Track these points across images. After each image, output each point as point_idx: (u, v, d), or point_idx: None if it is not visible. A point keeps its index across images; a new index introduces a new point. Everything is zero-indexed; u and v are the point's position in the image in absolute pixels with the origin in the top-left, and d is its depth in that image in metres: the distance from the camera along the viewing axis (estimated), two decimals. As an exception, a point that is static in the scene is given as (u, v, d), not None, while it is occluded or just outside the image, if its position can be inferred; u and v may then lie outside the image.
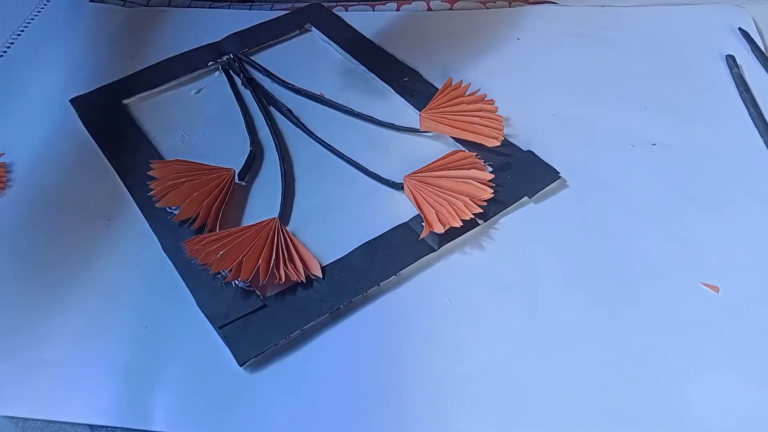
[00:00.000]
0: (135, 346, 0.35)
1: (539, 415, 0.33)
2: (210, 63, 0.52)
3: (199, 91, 0.51)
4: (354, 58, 0.53)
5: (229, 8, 0.59)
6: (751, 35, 0.53)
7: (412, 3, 0.59)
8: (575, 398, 0.33)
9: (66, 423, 0.33)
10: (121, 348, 0.35)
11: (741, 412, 0.33)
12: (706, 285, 0.38)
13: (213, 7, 0.59)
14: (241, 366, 0.34)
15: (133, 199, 0.42)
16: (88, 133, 0.47)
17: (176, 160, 0.43)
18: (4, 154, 0.46)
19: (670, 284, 0.38)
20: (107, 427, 0.33)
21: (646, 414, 0.33)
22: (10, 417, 0.33)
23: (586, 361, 0.34)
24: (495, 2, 0.59)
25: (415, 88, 0.50)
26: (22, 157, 0.46)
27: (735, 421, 0.32)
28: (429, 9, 0.58)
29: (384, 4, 0.59)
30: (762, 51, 0.52)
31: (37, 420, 0.33)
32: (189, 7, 0.60)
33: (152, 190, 0.41)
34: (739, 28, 0.54)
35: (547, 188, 0.42)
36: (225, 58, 0.52)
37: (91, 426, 0.33)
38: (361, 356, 0.35)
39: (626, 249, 0.39)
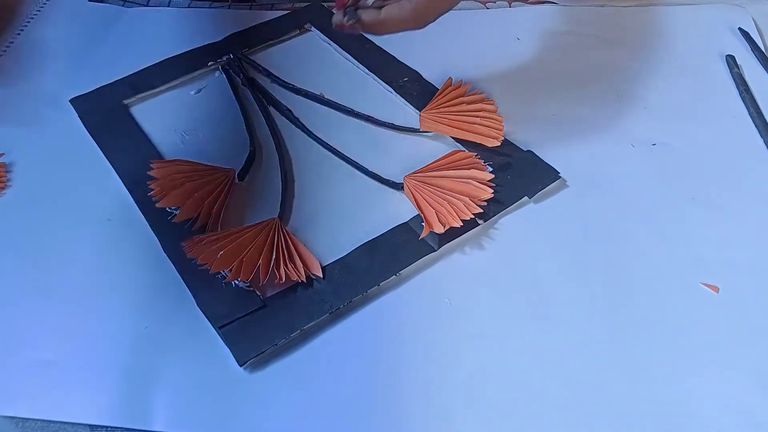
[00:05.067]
0: (135, 346, 0.35)
1: (539, 415, 0.33)
2: (210, 63, 0.52)
3: (199, 91, 0.51)
4: (354, 58, 0.53)
5: (229, 8, 0.59)
6: (751, 35, 0.53)
7: (412, 3, 0.58)
8: (575, 398, 0.33)
9: (66, 423, 0.33)
10: (121, 348, 0.35)
11: (741, 411, 0.33)
12: (706, 285, 0.38)
13: (213, 7, 0.59)
14: (241, 366, 0.34)
15: (133, 199, 0.42)
16: (88, 133, 0.47)
17: (176, 160, 0.43)
18: (4, 154, 0.46)
19: (670, 284, 0.38)
20: (107, 427, 0.33)
21: (646, 413, 0.33)
22: (10, 417, 0.33)
23: (586, 361, 0.34)
24: (495, 2, 0.59)
25: (415, 88, 0.50)
26: (22, 157, 0.46)
27: (735, 421, 0.32)
28: (429, 9, 0.58)
29: (384, 4, 0.59)
30: (762, 51, 0.52)
31: (37, 420, 0.33)
32: (189, 7, 0.60)
33: (152, 190, 0.41)
34: (739, 28, 0.54)
35: (547, 188, 0.42)
36: (225, 58, 0.52)
37: (91, 426, 0.33)
38: (361, 356, 0.35)
39: (626, 249, 0.39)
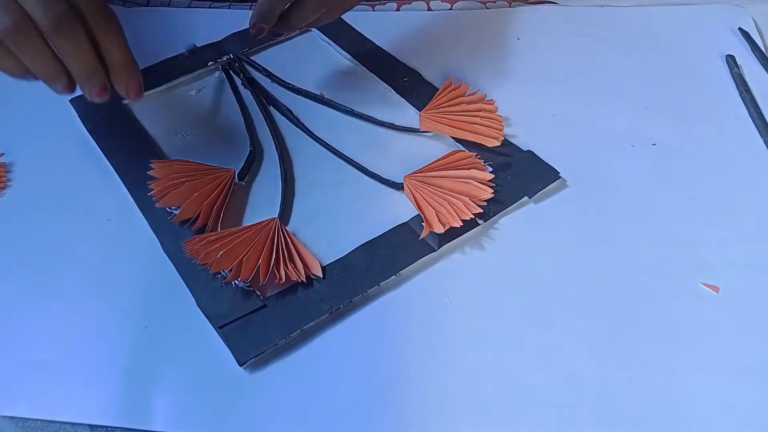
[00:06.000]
0: (135, 346, 0.35)
1: (539, 415, 0.33)
2: (210, 63, 0.52)
3: (200, 91, 0.51)
4: (354, 58, 0.53)
5: (229, 8, 0.59)
6: (751, 35, 0.53)
7: (412, 3, 0.59)
8: (575, 398, 0.33)
9: (66, 423, 0.33)
10: (121, 348, 0.35)
11: (741, 411, 0.33)
12: (706, 285, 0.38)
13: (213, 7, 0.59)
14: (241, 366, 0.34)
15: (133, 199, 0.42)
16: (88, 133, 0.47)
17: (176, 160, 0.43)
18: (4, 154, 0.46)
19: (670, 284, 0.38)
20: (107, 427, 0.33)
21: (646, 412, 0.33)
22: (10, 417, 0.33)
23: (586, 361, 0.34)
24: (495, 2, 0.59)
25: (415, 88, 0.50)
26: (22, 157, 0.46)
27: (735, 421, 0.32)
28: (429, 9, 0.58)
29: (384, 4, 0.59)
30: (762, 51, 0.52)
31: (37, 420, 0.33)
32: (189, 7, 0.60)
33: (152, 190, 0.41)
34: (739, 28, 0.54)
35: (547, 188, 0.42)
36: (225, 58, 0.52)
37: (91, 426, 0.33)
38: (361, 356, 0.35)
39: (626, 249, 0.39)
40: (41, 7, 0.33)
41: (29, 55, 0.35)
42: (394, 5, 0.58)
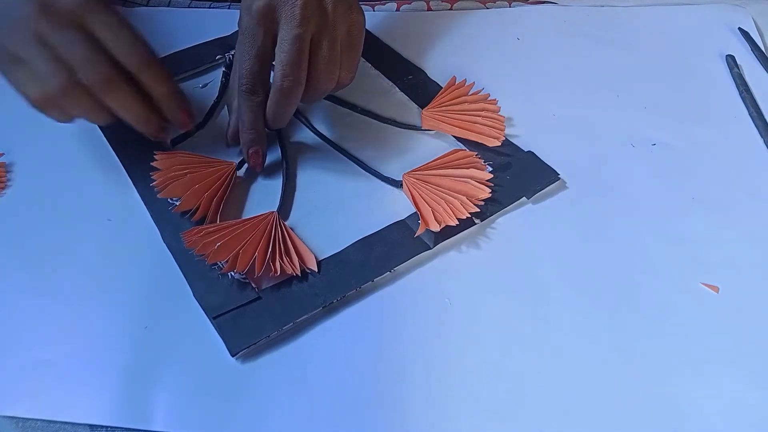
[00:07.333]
0: (135, 346, 0.35)
1: (536, 415, 0.33)
2: (218, 57, 0.52)
3: (206, 85, 0.51)
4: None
5: (229, 8, 0.59)
6: (751, 35, 0.53)
7: (412, 3, 0.58)
8: (573, 397, 0.33)
9: (66, 423, 0.33)
10: (121, 348, 0.35)
11: (741, 411, 0.33)
12: (706, 285, 0.37)
13: (213, 7, 0.59)
14: (233, 356, 0.34)
15: (137, 190, 0.42)
16: (89, 133, 0.47)
17: (180, 152, 0.44)
18: (4, 154, 0.46)
19: (670, 284, 0.38)
20: (107, 427, 0.33)
21: (645, 413, 0.33)
22: (10, 417, 0.33)
23: (585, 361, 0.34)
24: (495, 2, 0.59)
25: (420, 87, 0.50)
26: (22, 157, 0.46)
27: (735, 421, 0.32)
28: (429, 9, 0.58)
29: (384, 4, 0.59)
30: (762, 51, 0.52)
31: (37, 420, 0.33)
32: (189, 7, 0.60)
33: (154, 181, 0.41)
34: (739, 28, 0.54)
35: (546, 189, 0.42)
36: (232, 53, 0.52)
37: (91, 426, 0.33)
38: (353, 351, 0.35)
39: (626, 249, 0.39)
40: (88, 70, 0.37)
41: (78, 112, 0.39)
42: (394, 5, 0.58)
